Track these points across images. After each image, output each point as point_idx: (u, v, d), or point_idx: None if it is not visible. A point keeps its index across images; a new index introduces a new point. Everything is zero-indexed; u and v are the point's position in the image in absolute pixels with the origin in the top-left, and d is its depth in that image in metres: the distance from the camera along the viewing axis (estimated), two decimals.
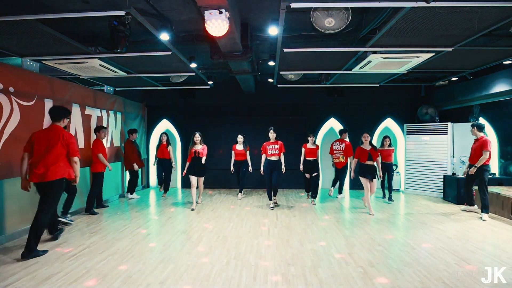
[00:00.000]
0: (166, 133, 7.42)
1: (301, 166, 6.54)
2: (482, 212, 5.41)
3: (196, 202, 6.34)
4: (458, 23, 3.63)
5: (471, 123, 5.95)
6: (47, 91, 4.88)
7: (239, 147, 7.09)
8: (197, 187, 6.30)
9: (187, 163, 6.14)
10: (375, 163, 5.77)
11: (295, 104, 8.63)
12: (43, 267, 3.33)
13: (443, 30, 3.87)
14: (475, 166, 5.42)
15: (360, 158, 5.79)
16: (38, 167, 3.66)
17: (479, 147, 5.44)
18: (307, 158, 6.46)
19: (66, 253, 3.76)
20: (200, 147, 6.06)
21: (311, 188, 6.60)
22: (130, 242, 4.15)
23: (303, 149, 6.52)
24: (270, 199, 6.25)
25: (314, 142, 6.57)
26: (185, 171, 6.14)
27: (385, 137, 7.00)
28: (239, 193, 7.32)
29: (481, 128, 5.59)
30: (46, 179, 3.66)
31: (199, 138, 6.07)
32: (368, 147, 5.74)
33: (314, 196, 6.63)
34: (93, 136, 6.03)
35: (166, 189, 7.51)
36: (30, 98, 4.53)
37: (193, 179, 6.08)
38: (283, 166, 6.15)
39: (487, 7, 3.19)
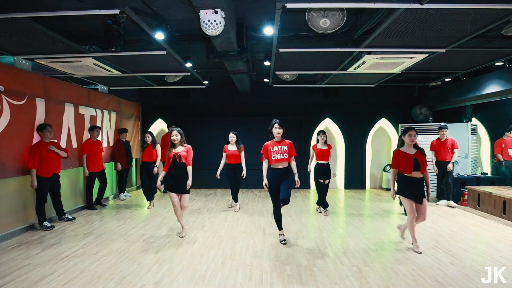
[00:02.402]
0: (150, 133, 6.40)
1: (310, 170, 5.62)
2: (448, 200, 6.44)
3: (182, 229, 4.52)
4: (451, 24, 3.68)
5: (439, 126, 6.51)
6: (39, 90, 4.82)
7: (232, 147, 5.82)
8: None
9: (163, 173, 4.30)
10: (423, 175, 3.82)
11: (290, 104, 8.66)
12: (36, 269, 3.28)
13: (437, 32, 3.92)
14: (452, 162, 6.32)
15: (401, 168, 3.81)
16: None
17: (450, 145, 6.30)
18: (320, 162, 5.42)
19: (59, 254, 3.71)
20: (183, 149, 4.26)
21: (321, 195, 5.60)
22: (124, 243, 4.12)
23: (312, 151, 5.61)
24: (280, 227, 4.20)
25: (326, 142, 5.49)
26: (159, 180, 4.29)
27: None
28: (236, 204, 6.06)
29: (447, 129, 6.42)
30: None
31: (179, 137, 4.25)
32: (412, 151, 3.81)
33: (326, 205, 5.66)
34: (87, 135, 5.98)
35: (151, 197, 6.32)
36: (21, 97, 4.46)
37: (174, 197, 4.24)
38: (296, 177, 4.07)
39: (479, 9, 3.23)
